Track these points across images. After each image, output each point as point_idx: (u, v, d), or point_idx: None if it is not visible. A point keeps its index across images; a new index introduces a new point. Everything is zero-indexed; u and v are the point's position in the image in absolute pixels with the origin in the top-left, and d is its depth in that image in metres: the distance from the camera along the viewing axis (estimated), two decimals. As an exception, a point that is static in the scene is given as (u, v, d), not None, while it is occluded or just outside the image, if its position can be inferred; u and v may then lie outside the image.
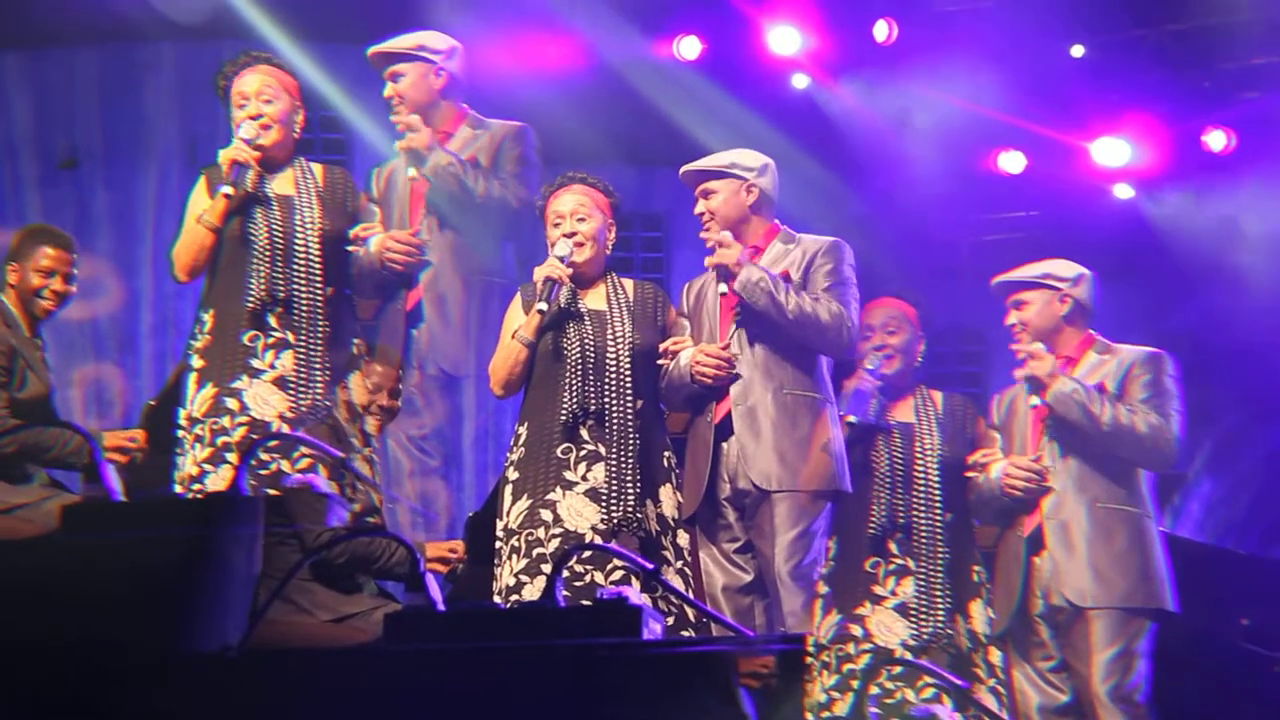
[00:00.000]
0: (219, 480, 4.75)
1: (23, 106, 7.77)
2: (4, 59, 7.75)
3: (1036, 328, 5.32)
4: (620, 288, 5.05)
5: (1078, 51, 7.51)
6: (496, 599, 4.77)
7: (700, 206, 5.16)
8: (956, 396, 5.52)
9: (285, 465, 4.81)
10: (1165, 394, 5.20)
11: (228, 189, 4.93)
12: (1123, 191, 7.86)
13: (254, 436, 4.76)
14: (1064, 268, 5.38)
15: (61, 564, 3.19)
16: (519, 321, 4.99)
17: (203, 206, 5.00)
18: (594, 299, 5.01)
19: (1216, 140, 7.55)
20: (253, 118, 5.00)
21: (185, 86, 7.83)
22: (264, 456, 4.79)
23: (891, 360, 5.33)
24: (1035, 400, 5.22)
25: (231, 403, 4.86)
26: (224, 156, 4.96)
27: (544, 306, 4.90)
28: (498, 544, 4.86)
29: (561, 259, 4.93)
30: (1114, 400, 5.16)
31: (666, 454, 4.97)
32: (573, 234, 4.97)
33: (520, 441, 4.91)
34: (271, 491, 4.80)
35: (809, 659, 4.89)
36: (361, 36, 6.07)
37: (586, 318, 4.96)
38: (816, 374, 5.01)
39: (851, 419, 5.22)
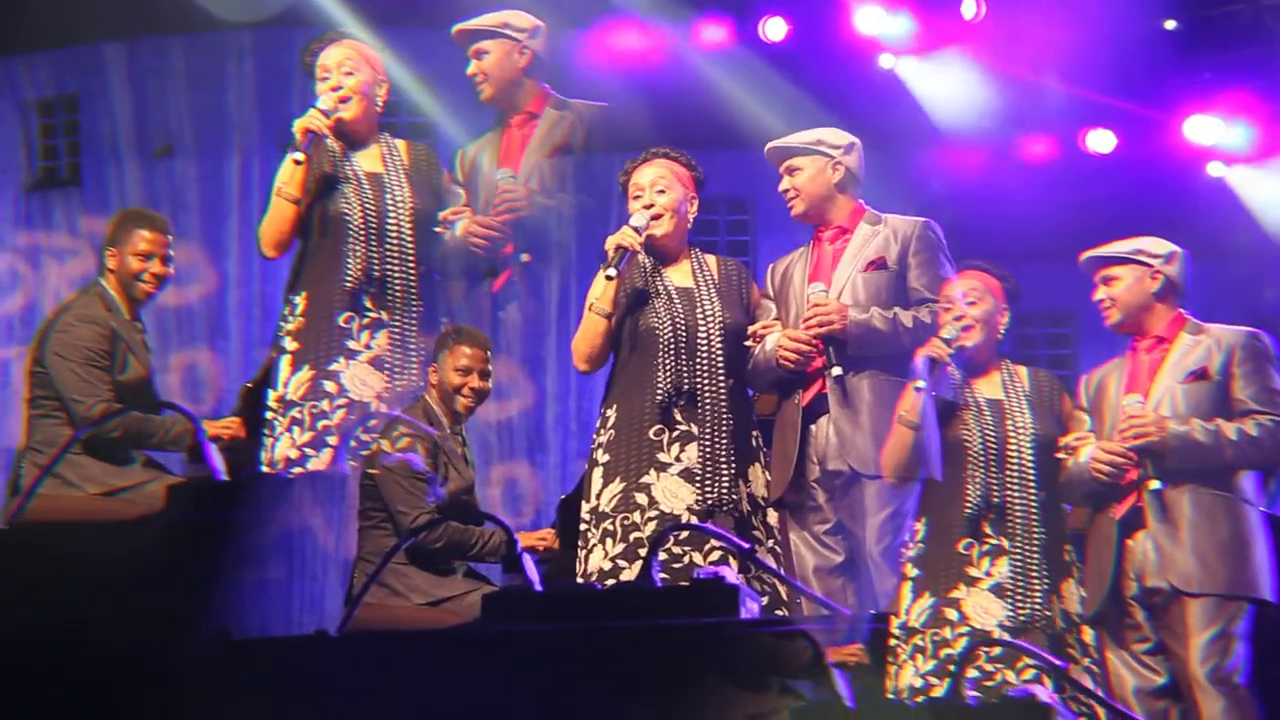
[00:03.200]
0: (319, 463, 4.78)
1: (122, 96, 7.89)
2: (105, 50, 7.87)
3: (1126, 304, 5.24)
4: (705, 264, 5.02)
5: (1170, 25, 7.39)
6: (580, 581, 4.78)
7: (785, 183, 5.13)
8: (1041, 372, 5.45)
9: (385, 444, 4.85)
10: (1274, 391, 5.10)
11: (298, 155, 4.93)
12: (1216, 170, 7.73)
13: (353, 418, 4.80)
14: (1156, 245, 5.29)
15: (166, 543, 3.24)
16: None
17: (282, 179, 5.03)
18: (680, 276, 4.99)
19: (1313, 117, 7.40)
20: (333, 89, 5.03)
21: (269, 73, 7.90)
22: (364, 437, 4.83)
23: (970, 330, 5.14)
24: (1156, 484, 5.02)
25: (329, 385, 4.90)
26: (297, 125, 4.97)
27: (612, 273, 4.82)
28: (583, 526, 4.86)
29: (636, 229, 4.88)
30: (1226, 418, 5.03)
31: (754, 434, 4.96)
32: (650, 205, 4.95)
33: (608, 424, 4.89)
34: (370, 471, 4.84)
35: (893, 639, 4.87)
36: (437, 20, 6.08)
37: (675, 296, 4.93)
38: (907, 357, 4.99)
39: (916, 386, 5.08)
